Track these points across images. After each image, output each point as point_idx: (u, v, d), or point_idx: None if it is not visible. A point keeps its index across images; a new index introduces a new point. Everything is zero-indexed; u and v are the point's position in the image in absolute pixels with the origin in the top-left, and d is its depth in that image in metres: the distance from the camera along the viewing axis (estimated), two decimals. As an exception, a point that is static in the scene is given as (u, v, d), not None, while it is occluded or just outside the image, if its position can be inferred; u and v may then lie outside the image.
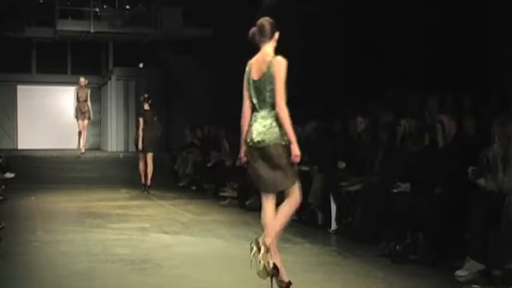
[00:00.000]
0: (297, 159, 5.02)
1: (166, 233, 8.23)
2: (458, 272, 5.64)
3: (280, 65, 5.03)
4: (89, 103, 16.27)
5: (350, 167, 8.43)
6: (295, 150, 4.99)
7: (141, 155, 13.04)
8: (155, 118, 13.23)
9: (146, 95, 13.33)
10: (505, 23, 9.13)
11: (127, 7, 19.37)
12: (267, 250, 4.88)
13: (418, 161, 7.07)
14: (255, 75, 5.10)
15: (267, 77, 5.03)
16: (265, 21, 5.20)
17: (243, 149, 5.23)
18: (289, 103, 5.00)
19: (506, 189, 5.56)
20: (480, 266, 5.57)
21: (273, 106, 5.03)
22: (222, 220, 9.37)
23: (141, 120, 12.86)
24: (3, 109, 20.59)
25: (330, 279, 5.84)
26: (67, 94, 19.56)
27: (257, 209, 9.89)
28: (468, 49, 9.65)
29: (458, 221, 6.01)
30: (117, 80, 19.49)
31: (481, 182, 5.86)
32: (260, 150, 5.04)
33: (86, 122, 16.28)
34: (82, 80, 16.19)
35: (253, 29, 5.20)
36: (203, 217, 9.72)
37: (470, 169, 6.00)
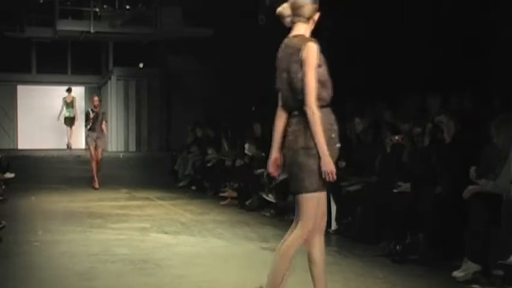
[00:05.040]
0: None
1: (166, 233, 8.23)
2: (455, 273, 5.64)
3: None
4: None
5: (350, 167, 8.42)
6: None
7: None
8: None
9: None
10: (507, 22, 9.13)
11: (127, 7, 19.36)
12: None
13: (418, 160, 7.06)
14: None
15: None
16: None
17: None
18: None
19: (502, 188, 5.56)
20: (477, 267, 5.57)
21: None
22: (222, 220, 9.37)
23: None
24: (3, 109, 20.61)
25: (330, 279, 5.79)
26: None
27: (257, 209, 10.01)
28: (470, 49, 9.64)
29: (458, 221, 6.01)
30: (117, 80, 19.50)
31: (482, 182, 5.86)
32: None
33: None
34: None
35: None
36: (203, 217, 9.71)
37: (472, 169, 6.00)
